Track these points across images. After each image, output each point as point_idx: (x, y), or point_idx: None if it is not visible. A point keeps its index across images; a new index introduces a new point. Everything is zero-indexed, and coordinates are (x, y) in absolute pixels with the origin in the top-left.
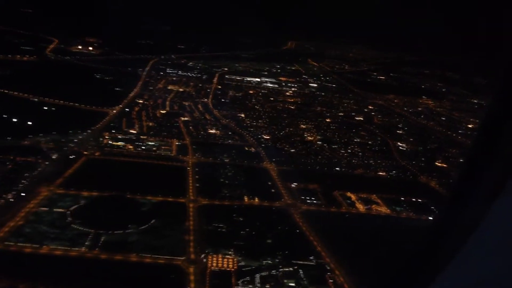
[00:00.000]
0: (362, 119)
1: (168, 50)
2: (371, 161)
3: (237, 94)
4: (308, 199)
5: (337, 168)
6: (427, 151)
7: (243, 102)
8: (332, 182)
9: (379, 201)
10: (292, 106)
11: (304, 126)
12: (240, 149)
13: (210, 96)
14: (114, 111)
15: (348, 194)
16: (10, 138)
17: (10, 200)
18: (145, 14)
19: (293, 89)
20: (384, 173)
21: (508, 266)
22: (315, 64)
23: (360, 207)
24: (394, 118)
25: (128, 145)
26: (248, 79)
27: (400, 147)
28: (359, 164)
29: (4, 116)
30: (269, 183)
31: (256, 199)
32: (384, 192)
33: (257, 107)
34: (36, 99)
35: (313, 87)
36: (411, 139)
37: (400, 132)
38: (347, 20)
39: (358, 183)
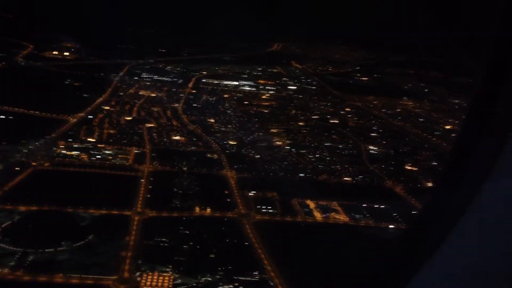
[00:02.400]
0: (337, 121)
1: (148, 54)
2: (338, 166)
3: (210, 99)
4: (263, 208)
5: (301, 174)
6: (399, 154)
7: (215, 106)
8: (292, 190)
9: (338, 208)
10: (266, 110)
11: (274, 131)
12: (201, 156)
13: (182, 101)
14: (75, 119)
15: (307, 202)
16: None
17: None
18: (128, 17)
19: (270, 92)
20: (349, 179)
21: (498, 251)
22: (298, 66)
23: (318, 215)
24: (370, 121)
25: (82, 154)
26: (226, 82)
27: (371, 151)
28: (325, 170)
29: None
30: (226, 192)
31: (208, 210)
32: (346, 199)
33: (229, 112)
34: None
35: (291, 89)
36: (384, 142)
37: (374, 134)
38: (333, 22)
39: (320, 189)
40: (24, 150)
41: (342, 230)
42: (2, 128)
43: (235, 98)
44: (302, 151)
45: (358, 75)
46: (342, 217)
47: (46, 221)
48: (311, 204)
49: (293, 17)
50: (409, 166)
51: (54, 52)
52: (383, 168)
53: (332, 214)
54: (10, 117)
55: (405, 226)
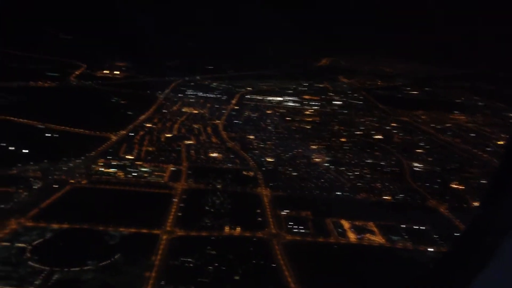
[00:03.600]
0: (381, 137)
1: (195, 71)
2: (378, 184)
3: (252, 115)
4: (295, 228)
5: (338, 193)
6: (445, 172)
7: (257, 123)
8: (327, 209)
9: (375, 229)
10: (308, 126)
11: (314, 147)
12: (237, 173)
13: (223, 117)
14: (117, 136)
15: (342, 221)
16: None
17: None
18: (178, 36)
19: (314, 107)
20: (389, 197)
21: None
22: (345, 80)
23: (352, 236)
24: (416, 136)
25: (119, 172)
26: (269, 98)
27: (416, 168)
28: (364, 188)
29: (2, 144)
30: (258, 211)
31: (238, 229)
32: (384, 219)
33: (270, 128)
34: (42, 126)
35: (336, 105)
36: (430, 159)
37: (420, 151)
38: (385, 34)
39: (357, 209)
40: (64, 168)
41: (376, 253)
42: (47, 146)
43: (278, 114)
44: (342, 168)
45: (408, 88)
46: (378, 239)
47: (76, 239)
48: (346, 224)
49: (344, 31)
50: (456, 184)
51: (105, 71)
52: (427, 186)
53: (367, 235)
54: (55, 135)
55: (446, 249)
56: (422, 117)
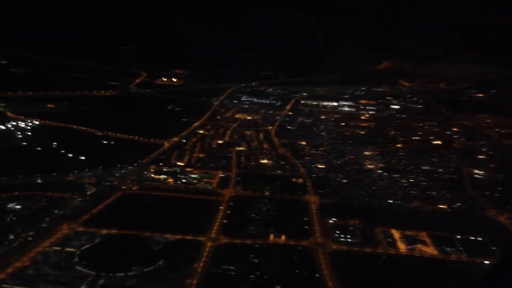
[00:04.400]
0: (440, 143)
1: (252, 77)
2: (434, 192)
3: (306, 120)
4: (342, 237)
5: (390, 201)
6: (508, 179)
7: (310, 128)
8: (377, 217)
9: (427, 239)
10: (363, 131)
11: (368, 153)
12: (286, 180)
13: (276, 123)
14: (170, 143)
15: (392, 231)
16: (55, 174)
17: (28, 239)
18: (235, 42)
19: (370, 112)
20: (445, 206)
21: None
22: (405, 84)
23: (402, 247)
24: (479, 141)
25: (169, 178)
26: (325, 103)
27: (476, 175)
28: (418, 196)
29: (62, 151)
30: (305, 219)
31: (283, 237)
32: (437, 229)
33: (323, 134)
34: (100, 134)
35: (394, 109)
36: (492, 165)
37: (482, 157)
38: (449, 36)
39: (409, 218)
40: (117, 174)
41: (427, 265)
42: (103, 153)
43: (332, 119)
44: (395, 175)
45: (473, 91)
46: (430, 250)
47: (123, 245)
48: (396, 234)
49: (406, 33)
50: None
51: (164, 79)
52: (487, 195)
53: (419, 245)
54: (112, 142)
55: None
56: (487, 121)
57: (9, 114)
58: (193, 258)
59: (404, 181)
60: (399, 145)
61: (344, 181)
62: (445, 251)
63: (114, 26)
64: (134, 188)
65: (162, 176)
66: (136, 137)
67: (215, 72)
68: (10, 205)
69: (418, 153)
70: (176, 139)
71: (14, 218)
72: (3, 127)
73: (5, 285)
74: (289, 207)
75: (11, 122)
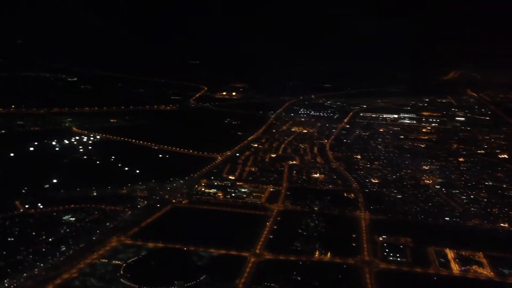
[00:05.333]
0: (506, 157)
1: (311, 90)
2: (495, 209)
3: (363, 133)
4: (391, 256)
5: (447, 218)
6: None
7: (366, 142)
8: (431, 236)
9: (483, 260)
10: (422, 144)
11: (426, 167)
12: (337, 195)
13: (332, 137)
14: (223, 157)
15: (446, 250)
16: (110, 187)
17: (79, 250)
18: (295, 54)
19: (433, 124)
20: (506, 225)
21: None
22: (473, 94)
23: (455, 268)
24: None
25: (219, 192)
26: (385, 116)
27: None
28: (478, 213)
29: (119, 164)
30: (353, 236)
31: (329, 254)
32: (496, 249)
33: (380, 147)
34: (156, 147)
35: (459, 121)
36: None
37: None
38: None
39: (466, 237)
40: (168, 188)
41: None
42: (157, 167)
43: (391, 132)
44: (455, 191)
45: None
46: (486, 272)
47: (167, 258)
48: (450, 254)
49: (476, 41)
50: None
51: (223, 93)
52: None
53: (474, 267)
54: (166, 156)
55: None
56: None
57: (74, 129)
58: (235, 274)
59: (464, 197)
60: (461, 159)
61: (399, 196)
62: (503, 273)
63: (180, 42)
64: (184, 202)
65: (212, 190)
66: (191, 150)
67: (274, 86)
68: (66, 217)
69: (481, 168)
70: (229, 153)
71: (67, 230)
72: (67, 142)
73: None
74: (338, 223)
75: (75, 136)
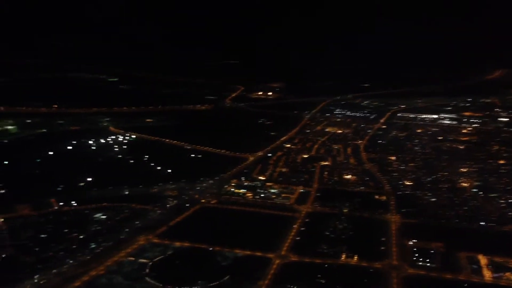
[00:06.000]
0: None
1: (349, 90)
2: None
3: (400, 134)
4: (420, 261)
5: (482, 223)
6: None
7: (402, 143)
8: (464, 241)
9: None
10: (461, 146)
11: (464, 170)
12: (368, 197)
13: (367, 137)
14: (255, 157)
15: (479, 256)
16: (141, 186)
17: (107, 248)
18: (336, 54)
19: (474, 125)
20: None
21: None
22: None
23: (487, 274)
24: None
25: (248, 192)
26: (423, 116)
27: None
28: None
29: (151, 164)
30: (382, 239)
31: (355, 258)
32: None
33: (416, 148)
34: (189, 147)
35: (502, 122)
36: None
37: None
38: None
39: (501, 242)
40: (198, 188)
41: None
42: (188, 166)
43: (429, 133)
44: (492, 195)
45: None
46: None
47: (192, 258)
48: (483, 260)
49: None
50: None
51: (259, 93)
52: None
53: (507, 274)
54: (198, 156)
55: None
56: None
57: (111, 128)
58: (259, 275)
59: (501, 201)
60: (501, 162)
61: (433, 199)
62: None
63: (217, 41)
64: (212, 202)
65: (242, 190)
66: (223, 150)
67: (311, 85)
68: (97, 215)
69: None
70: (261, 153)
71: (98, 228)
72: (103, 141)
73: None
74: (367, 226)
75: (112, 136)
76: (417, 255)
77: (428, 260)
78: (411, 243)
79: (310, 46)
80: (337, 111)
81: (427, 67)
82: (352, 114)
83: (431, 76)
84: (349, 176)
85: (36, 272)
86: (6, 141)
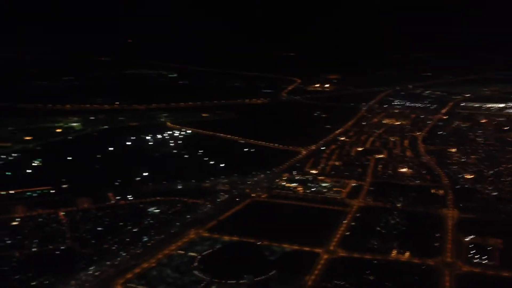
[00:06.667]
0: None
1: (409, 80)
2: None
3: (462, 125)
4: (476, 258)
5: None
6: None
7: (464, 134)
8: None
9: None
10: None
11: None
12: (424, 191)
13: (426, 129)
14: (308, 151)
15: None
16: (194, 181)
17: (159, 241)
18: (392, 43)
19: None
20: None
21: None
22: None
23: None
24: None
25: (299, 186)
26: (489, 105)
27: None
28: None
29: (205, 158)
30: (437, 235)
31: (407, 254)
32: None
33: (479, 140)
34: (243, 141)
35: None
36: None
37: None
38: None
39: None
40: (249, 182)
41: None
42: (241, 161)
43: (494, 123)
44: None
45: None
46: None
47: (240, 252)
48: None
49: None
50: None
51: (316, 85)
52: None
53: None
54: (252, 150)
55: None
56: None
57: (168, 123)
58: (306, 270)
59: None
60: None
61: (494, 194)
62: None
63: (274, 34)
64: (263, 196)
65: (293, 184)
66: (276, 144)
67: (370, 75)
68: (151, 209)
69: None
70: (314, 147)
71: (151, 221)
72: (160, 136)
73: (130, 284)
74: (421, 221)
75: (168, 131)
76: (473, 251)
77: (485, 257)
78: (467, 239)
79: (370, 35)
80: (396, 101)
81: (497, 52)
82: (412, 104)
83: (502, 61)
84: (404, 169)
85: (92, 264)
86: (70, 137)
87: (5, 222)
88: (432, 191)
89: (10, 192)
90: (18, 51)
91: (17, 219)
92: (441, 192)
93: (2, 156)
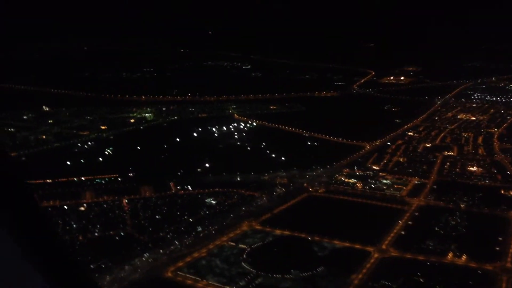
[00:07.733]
0: None
1: (494, 72)
2: None
3: None
4: None
5: None
6: None
7: None
8: None
9: None
10: None
11: None
12: (492, 192)
13: (504, 125)
14: (372, 145)
15: None
16: (253, 173)
17: (212, 232)
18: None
19: None
20: None
21: None
22: None
23: None
24: None
25: (359, 182)
26: None
27: None
28: None
29: (267, 151)
30: (499, 239)
31: (463, 257)
32: None
33: None
34: (306, 135)
35: None
36: None
37: None
38: None
39: None
40: (307, 176)
41: None
42: (302, 154)
43: None
44: None
45: None
46: None
47: (290, 246)
48: None
49: None
50: None
51: (390, 78)
52: None
53: None
54: (315, 144)
55: None
56: None
57: (235, 115)
58: (354, 269)
59: None
60: None
61: None
62: None
63: (351, 25)
64: (320, 191)
65: (352, 180)
66: (340, 138)
67: (450, 68)
68: (208, 200)
69: None
70: (379, 142)
71: (207, 212)
72: (225, 128)
73: (180, 272)
74: (483, 223)
75: (234, 123)
76: None
77: None
78: None
79: (453, 23)
80: (475, 95)
81: None
82: (492, 98)
83: None
84: (474, 168)
85: (147, 251)
86: (142, 127)
87: (74, 207)
88: (502, 191)
89: (82, 178)
90: (106, 42)
91: (84, 205)
92: (511, 193)
93: (78, 145)
